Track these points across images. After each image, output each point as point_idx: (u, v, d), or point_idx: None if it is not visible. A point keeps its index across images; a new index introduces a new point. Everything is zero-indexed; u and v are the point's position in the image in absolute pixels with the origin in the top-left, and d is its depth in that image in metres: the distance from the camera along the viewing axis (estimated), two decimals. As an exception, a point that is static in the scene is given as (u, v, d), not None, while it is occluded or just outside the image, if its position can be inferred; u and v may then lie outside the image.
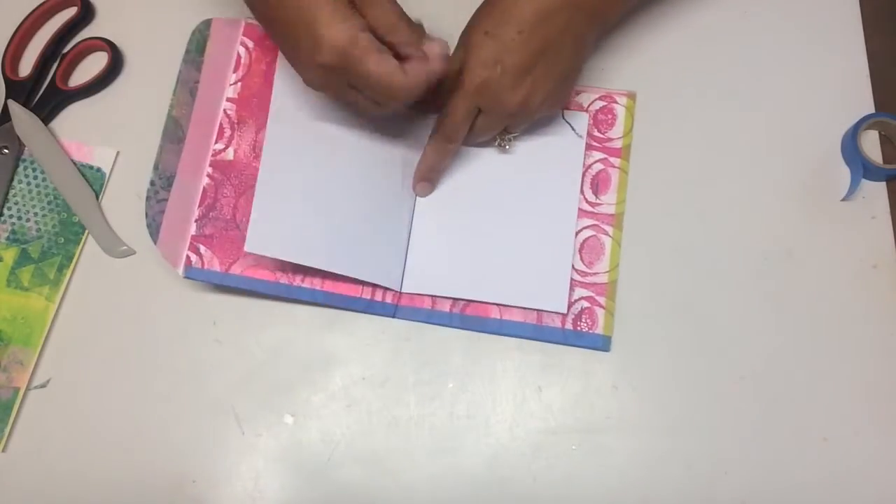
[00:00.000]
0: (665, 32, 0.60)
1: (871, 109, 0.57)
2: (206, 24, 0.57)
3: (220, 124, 0.56)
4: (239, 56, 0.58)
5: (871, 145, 0.56)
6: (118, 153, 0.59)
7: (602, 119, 0.57)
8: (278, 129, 0.53)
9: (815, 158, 0.56)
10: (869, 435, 0.50)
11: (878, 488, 0.49)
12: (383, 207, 0.55)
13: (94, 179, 0.58)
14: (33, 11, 0.62)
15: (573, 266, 0.54)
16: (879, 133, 0.57)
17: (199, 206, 0.55)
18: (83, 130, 0.60)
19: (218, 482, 0.51)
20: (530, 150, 0.56)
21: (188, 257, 0.53)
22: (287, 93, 0.54)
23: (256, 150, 0.56)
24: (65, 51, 0.62)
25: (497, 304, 0.53)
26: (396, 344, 0.53)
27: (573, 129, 0.56)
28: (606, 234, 0.54)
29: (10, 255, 0.56)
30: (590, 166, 0.56)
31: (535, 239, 0.54)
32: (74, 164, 0.58)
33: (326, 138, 0.54)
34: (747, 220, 0.55)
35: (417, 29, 0.48)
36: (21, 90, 0.60)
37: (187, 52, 0.56)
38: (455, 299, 0.53)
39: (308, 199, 0.53)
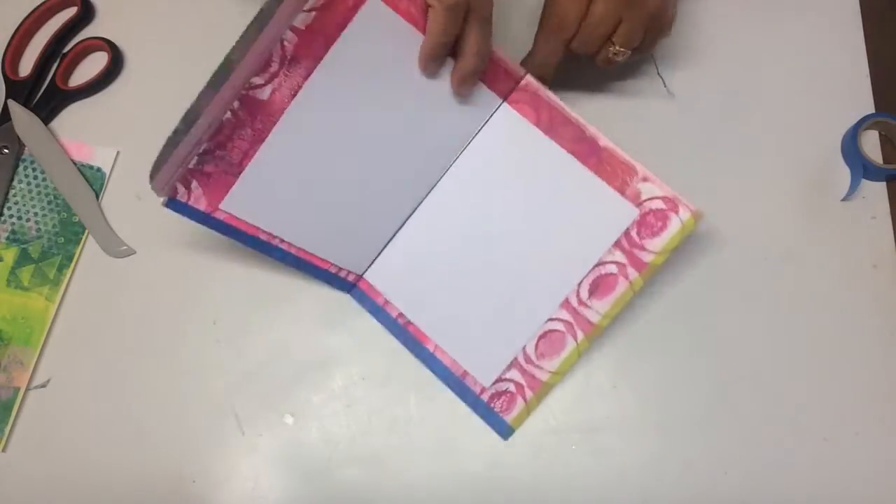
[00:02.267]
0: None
1: (871, 109, 0.57)
2: None
3: (270, 56, 0.45)
4: None
5: (871, 145, 0.56)
6: (118, 153, 0.59)
7: (650, 223, 0.48)
8: (315, 94, 0.47)
9: (815, 158, 0.56)
10: (869, 435, 0.50)
11: (878, 488, 0.49)
12: (379, 201, 0.53)
13: (94, 179, 0.58)
14: (33, 11, 0.62)
15: (524, 348, 0.51)
16: (879, 133, 0.57)
17: (210, 140, 0.46)
18: (83, 130, 0.60)
19: (218, 482, 0.51)
20: (555, 219, 0.51)
21: (175, 187, 0.46)
22: (343, 59, 0.47)
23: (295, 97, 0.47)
24: (65, 51, 0.62)
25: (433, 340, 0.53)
26: (396, 344, 0.53)
27: (664, 83, 0.54)
28: (574, 338, 0.50)
29: (10, 255, 0.56)
30: (602, 264, 0.49)
31: (504, 303, 0.51)
32: (74, 164, 0.58)
33: (356, 119, 0.50)
34: (747, 220, 0.55)
35: None
36: (21, 90, 0.60)
37: None
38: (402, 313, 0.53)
39: (304, 173, 0.49)
